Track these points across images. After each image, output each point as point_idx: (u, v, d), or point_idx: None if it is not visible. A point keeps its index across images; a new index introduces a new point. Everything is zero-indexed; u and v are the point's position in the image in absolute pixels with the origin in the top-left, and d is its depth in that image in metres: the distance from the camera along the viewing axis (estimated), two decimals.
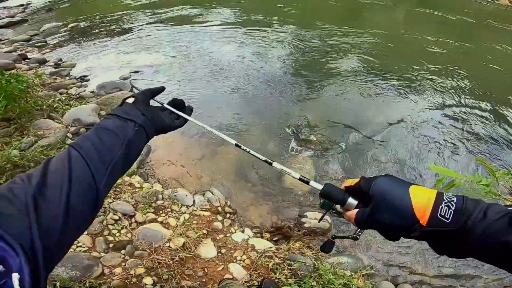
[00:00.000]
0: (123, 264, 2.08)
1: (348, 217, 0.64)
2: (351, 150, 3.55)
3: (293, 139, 3.61)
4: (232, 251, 2.41)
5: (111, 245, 2.20)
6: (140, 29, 6.48)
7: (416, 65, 5.44)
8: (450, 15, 8.50)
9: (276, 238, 2.65)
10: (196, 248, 2.35)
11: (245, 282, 2.21)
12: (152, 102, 0.92)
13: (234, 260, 2.34)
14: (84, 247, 2.13)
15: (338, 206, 0.67)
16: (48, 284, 1.75)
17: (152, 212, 2.59)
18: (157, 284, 2.00)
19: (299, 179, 0.72)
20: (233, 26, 6.69)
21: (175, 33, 6.31)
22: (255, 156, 0.80)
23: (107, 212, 2.46)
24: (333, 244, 0.74)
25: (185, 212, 2.67)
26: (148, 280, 1.99)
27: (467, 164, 3.49)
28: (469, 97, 4.65)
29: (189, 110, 0.97)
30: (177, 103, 0.95)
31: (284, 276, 2.26)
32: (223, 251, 2.40)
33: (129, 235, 2.31)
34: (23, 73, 3.83)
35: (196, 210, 2.72)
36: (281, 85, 4.60)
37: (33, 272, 0.46)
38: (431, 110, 4.30)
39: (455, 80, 5.05)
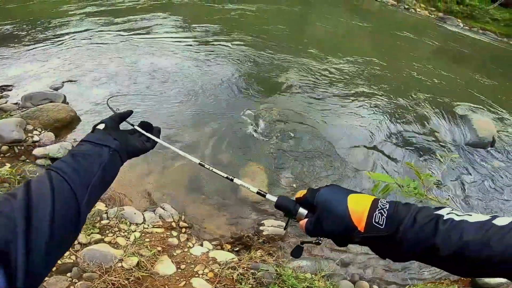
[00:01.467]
0: (71, 287, 1.71)
1: (300, 226, 0.66)
2: (297, 155, 3.60)
3: (246, 147, 3.54)
4: (192, 266, 2.18)
5: (54, 269, 1.81)
6: (78, 37, 5.66)
7: (350, 76, 5.80)
8: (379, 25, 9.35)
9: (237, 249, 2.48)
10: (152, 266, 2.07)
11: None
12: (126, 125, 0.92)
13: (196, 275, 2.11)
14: None
15: None
16: None
17: (97, 233, 2.24)
18: None
19: (257, 192, 0.75)
20: (182, 37, 6.35)
21: (119, 42, 5.77)
22: (217, 173, 0.81)
23: None
24: (302, 249, 0.76)
25: (135, 231, 2.37)
26: None
27: (404, 168, 3.76)
28: (400, 106, 5.09)
29: (156, 132, 0.96)
30: (145, 125, 0.94)
31: (250, 286, 2.12)
32: (182, 266, 2.16)
33: (73, 257, 1.94)
34: None
35: (147, 228, 2.43)
36: (232, 97, 4.51)
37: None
38: (370, 121, 4.58)
39: (386, 91, 5.49)
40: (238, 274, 2.16)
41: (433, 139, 4.45)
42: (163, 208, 2.69)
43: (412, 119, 4.82)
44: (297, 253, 0.75)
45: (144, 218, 2.52)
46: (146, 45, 5.91)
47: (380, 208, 0.57)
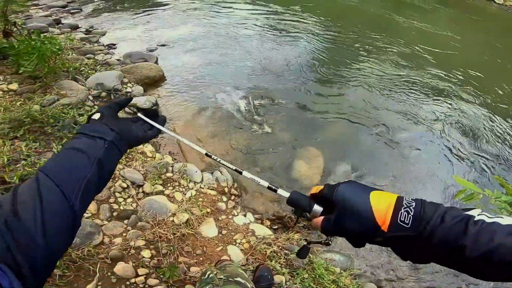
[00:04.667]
0: (124, 234, 1.89)
1: (315, 224, 0.60)
2: (368, 151, 3.31)
3: (309, 131, 3.37)
4: (232, 233, 2.22)
5: (115, 214, 2.01)
6: (175, 4, 6.13)
7: (441, 74, 5.03)
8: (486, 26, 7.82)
9: (276, 227, 2.45)
10: (198, 226, 2.17)
11: (241, 265, 2.04)
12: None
13: (234, 243, 2.16)
14: (88, 213, 1.94)
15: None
16: None
17: (160, 184, 2.39)
18: (155, 258, 1.82)
19: (268, 187, 0.68)
20: (268, 13, 6.31)
21: (211, 12, 5.99)
22: (225, 165, 0.75)
23: (117, 178, 2.27)
24: (309, 249, 0.70)
25: (192, 188, 2.47)
26: (146, 253, 1.81)
27: (480, 179, 3.25)
28: (493, 113, 4.30)
29: (162, 120, 0.85)
30: (149, 113, 0.84)
31: (280, 265, 2.09)
32: (223, 232, 2.21)
33: (134, 205, 2.12)
34: (54, 37, 3.62)
35: (203, 188, 2.52)
36: (304, 80, 4.28)
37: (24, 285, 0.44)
38: (451, 121, 4.00)
39: (479, 93, 4.67)
40: (271, 251, 2.15)
41: None
42: (221, 172, 2.74)
43: (505, 135, 3.99)
44: (303, 253, 0.69)
45: (202, 177, 2.61)
46: (238, 16, 5.94)
47: (406, 206, 0.51)
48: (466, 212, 0.49)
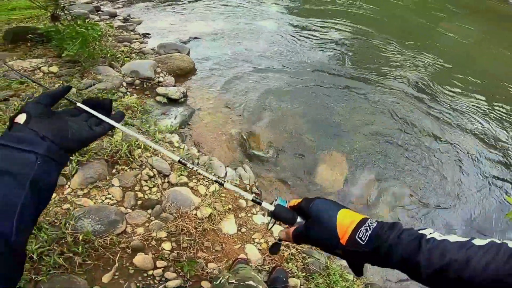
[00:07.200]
0: (146, 224, 1.86)
1: (287, 233, 0.62)
2: (396, 162, 3.12)
3: (336, 135, 3.25)
4: (251, 232, 2.17)
5: (139, 202, 1.98)
6: (216, 1, 6.09)
7: (476, 90, 4.68)
8: None
9: None
10: (220, 221, 2.12)
11: (258, 265, 1.98)
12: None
13: (252, 242, 2.10)
14: (113, 200, 1.92)
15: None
16: (70, 235, 1.57)
17: (186, 176, 2.35)
18: (174, 251, 1.78)
19: (252, 200, 0.66)
20: (303, 15, 6.17)
21: (246, 8, 5.93)
22: (204, 175, 0.67)
23: (144, 166, 2.25)
24: (280, 245, 0.70)
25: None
26: (167, 246, 1.78)
27: None
28: None
29: (119, 116, 0.65)
30: (97, 102, 0.62)
31: (296, 268, 2.02)
32: (243, 230, 2.16)
33: (159, 194, 2.09)
34: (97, 23, 3.66)
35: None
36: (328, 81, 4.13)
37: None
38: (484, 141, 3.72)
39: None
40: (289, 254, 2.09)
41: None
42: (244, 169, 2.69)
43: None
44: (275, 249, 0.70)
45: (226, 172, 2.56)
46: (273, 16, 5.80)
47: (367, 225, 0.54)
48: (419, 231, 0.51)
